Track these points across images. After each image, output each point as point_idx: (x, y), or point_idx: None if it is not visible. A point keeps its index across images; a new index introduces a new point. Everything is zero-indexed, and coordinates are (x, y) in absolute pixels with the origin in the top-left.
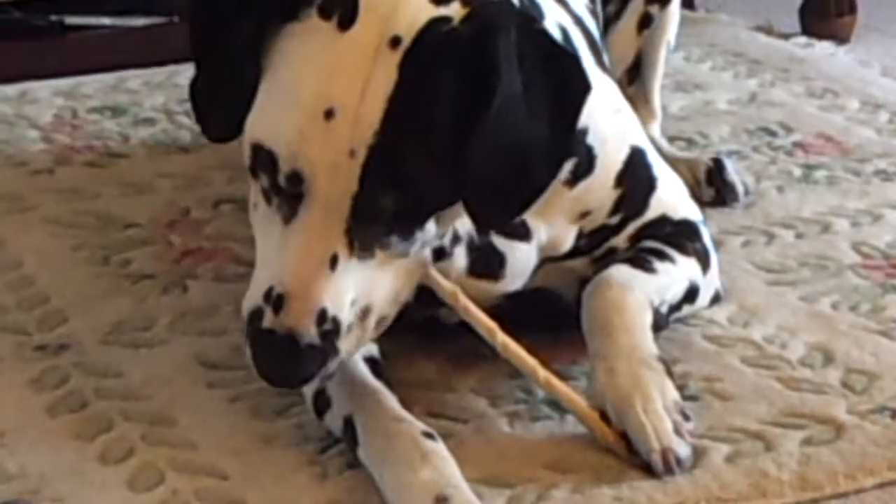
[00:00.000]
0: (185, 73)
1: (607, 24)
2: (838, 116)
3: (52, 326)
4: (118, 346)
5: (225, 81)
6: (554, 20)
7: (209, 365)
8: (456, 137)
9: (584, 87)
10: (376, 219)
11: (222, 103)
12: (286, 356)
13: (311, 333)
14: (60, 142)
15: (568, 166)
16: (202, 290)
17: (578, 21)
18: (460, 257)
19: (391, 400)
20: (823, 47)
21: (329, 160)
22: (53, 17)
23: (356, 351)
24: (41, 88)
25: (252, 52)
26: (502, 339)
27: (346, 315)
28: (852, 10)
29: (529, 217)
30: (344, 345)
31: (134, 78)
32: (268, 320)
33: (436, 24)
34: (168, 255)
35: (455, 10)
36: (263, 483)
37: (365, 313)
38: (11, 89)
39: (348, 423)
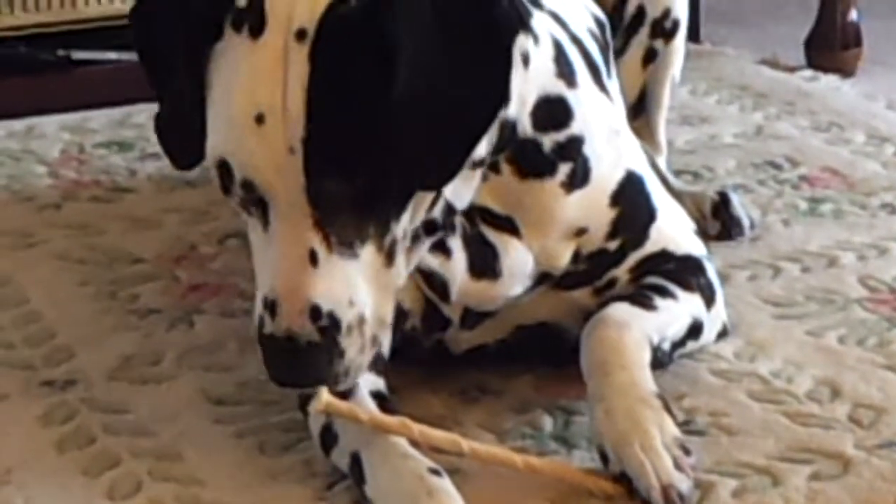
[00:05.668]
0: None
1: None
2: (844, 150)
3: (59, 362)
4: (125, 382)
5: (178, 110)
6: (545, 29)
7: (215, 400)
8: (380, 108)
9: (513, 23)
10: (337, 207)
11: (180, 131)
12: (289, 358)
13: (307, 331)
14: (67, 177)
15: (565, 169)
16: (208, 326)
17: (576, 40)
18: (459, 254)
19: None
20: (829, 81)
21: (273, 163)
22: (60, 52)
23: (364, 362)
24: (48, 123)
25: (193, 78)
26: (469, 446)
27: (343, 312)
28: (857, 43)
29: (520, 227)
30: (349, 345)
31: (140, 112)
32: (267, 326)
33: (334, 7)
34: (175, 290)
35: None
36: None
37: (360, 321)
38: (18, 124)
39: (355, 460)
